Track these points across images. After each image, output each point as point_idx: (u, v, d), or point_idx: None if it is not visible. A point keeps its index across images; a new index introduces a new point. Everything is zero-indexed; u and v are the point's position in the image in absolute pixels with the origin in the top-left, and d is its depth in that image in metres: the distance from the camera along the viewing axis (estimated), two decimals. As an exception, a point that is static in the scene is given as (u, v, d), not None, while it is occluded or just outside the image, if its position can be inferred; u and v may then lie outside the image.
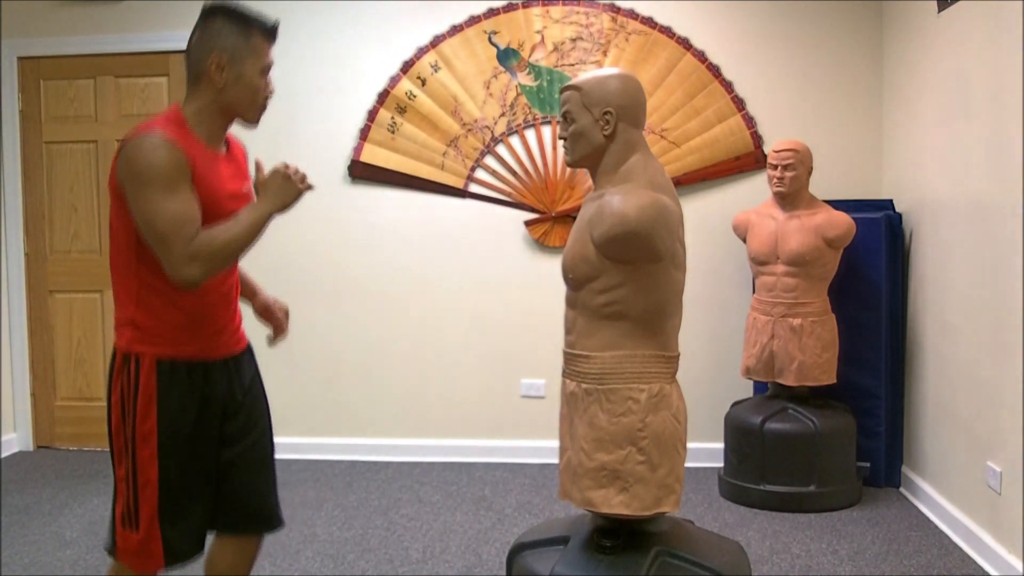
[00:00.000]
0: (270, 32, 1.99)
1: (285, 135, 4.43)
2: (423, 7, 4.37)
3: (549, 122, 4.34)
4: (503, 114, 4.35)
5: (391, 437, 4.50)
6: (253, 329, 2.33)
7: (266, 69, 1.99)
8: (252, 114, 2.02)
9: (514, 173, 4.37)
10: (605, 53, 4.29)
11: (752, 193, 4.22)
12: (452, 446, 4.46)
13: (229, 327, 2.07)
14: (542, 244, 4.37)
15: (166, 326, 1.95)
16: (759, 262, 3.81)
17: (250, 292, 2.34)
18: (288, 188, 1.96)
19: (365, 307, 4.48)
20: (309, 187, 2.00)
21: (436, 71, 4.36)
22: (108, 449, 2.03)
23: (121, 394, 1.95)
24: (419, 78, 4.37)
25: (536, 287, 4.36)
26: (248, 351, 2.17)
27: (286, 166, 1.97)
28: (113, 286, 1.99)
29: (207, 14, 1.96)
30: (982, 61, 3.14)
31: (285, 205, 1.97)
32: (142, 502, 1.94)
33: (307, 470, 4.26)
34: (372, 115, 4.40)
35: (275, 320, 2.34)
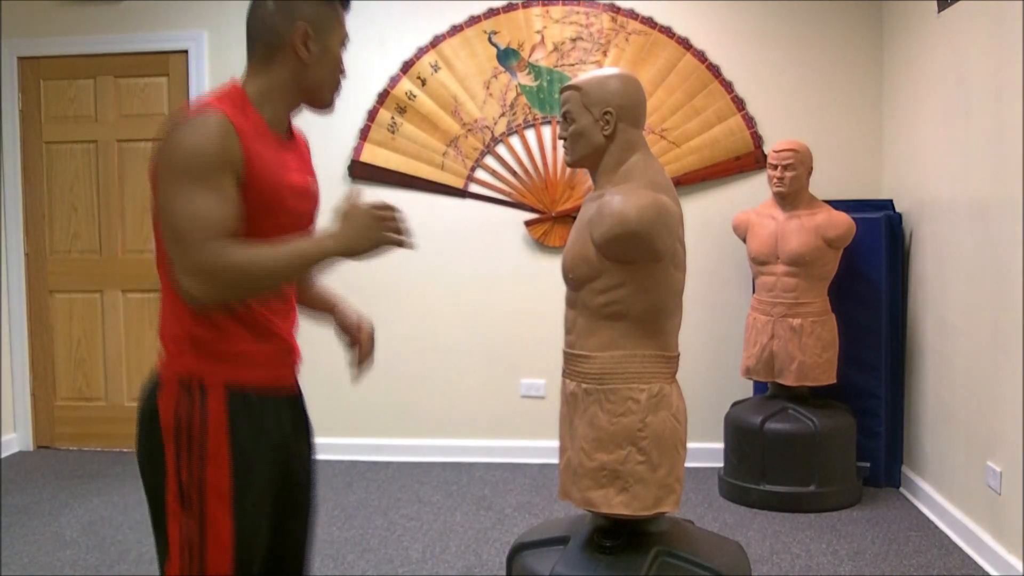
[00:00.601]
0: (347, 1, 1.73)
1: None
2: (423, 7, 4.37)
3: (549, 122, 4.34)
4: (503, 114, 4.35)
5: (391, 437, 4.50)
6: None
7: (346, 42, 1.72)
8: (330, 94, 1.71)
9: (514, 173, 4.37)
10: (605, 53, 4.29)
11: (752, 193, 4.22)
12: (452, 446, 4.46)
13: (290, 342, 1.71)
14: (542, 244, 4.37)
15: (230, 342, 1.59)
16: (759, 262, 3.81)
17: (328, 303, 1.89)
18: (370, 232, 1.55)
19: (365, 307, 4.46)
20: (401, 242, 1.57)
21: (436, 71, 4.36)
22: (153, 501, 1.60)
23: (179, 431, 1.56)
24: (419, 78, 4.37)
25: (536, 287, 4.36)
26: (300, 390, 1.80)
27: (386, 207, 1.56)
28: (162, 292, 1.62)
29: None
30: (982, 61, 3.13)
31: (356, 252, 1.55)
32: (211, 571, 1.55)
33: (307, 470, 4.26)
34: (372, 115, 4.40)
35: (361, 344, 1.85)
